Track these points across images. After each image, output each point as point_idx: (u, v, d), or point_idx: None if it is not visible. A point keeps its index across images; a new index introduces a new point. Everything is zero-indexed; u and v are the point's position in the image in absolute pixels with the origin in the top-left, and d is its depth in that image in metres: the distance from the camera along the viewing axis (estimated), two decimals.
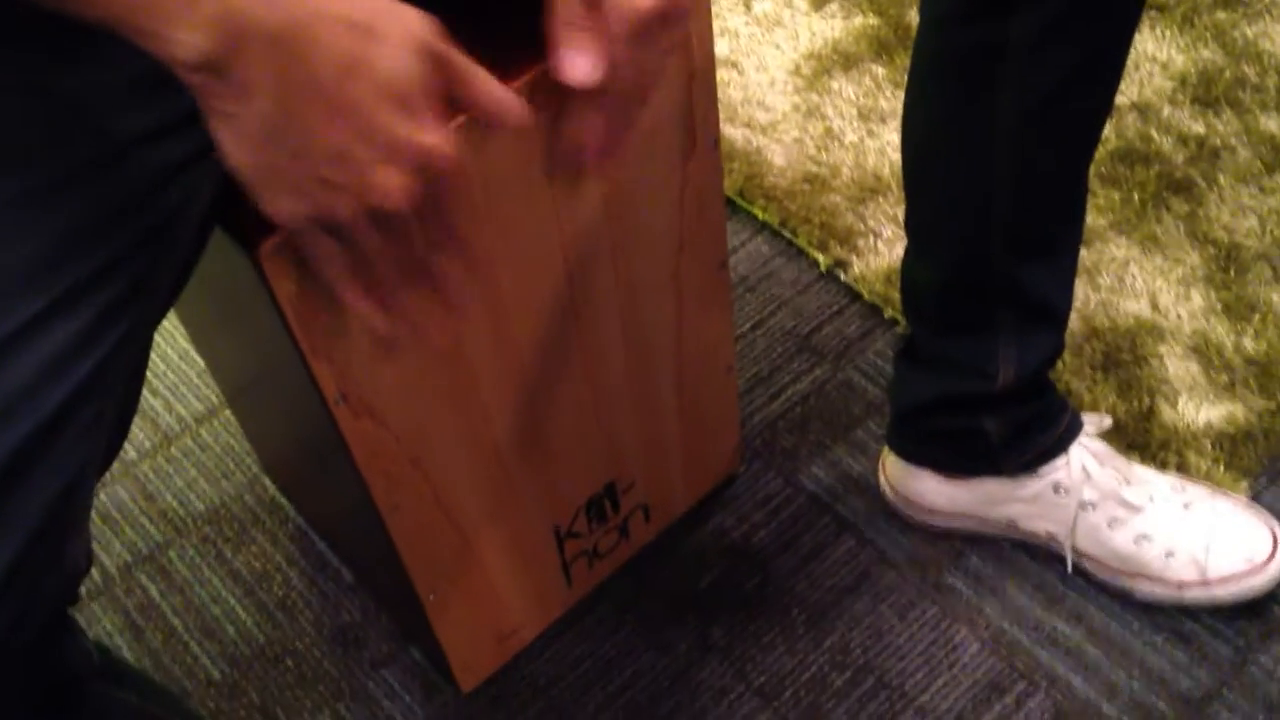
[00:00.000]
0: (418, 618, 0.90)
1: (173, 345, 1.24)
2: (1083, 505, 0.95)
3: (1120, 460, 0.98)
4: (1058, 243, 0.88)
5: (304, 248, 0.55)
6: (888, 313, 1.19)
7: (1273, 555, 0.94)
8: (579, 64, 0.56)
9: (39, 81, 0.50)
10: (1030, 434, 0.95)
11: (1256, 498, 1.03)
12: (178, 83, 0.50)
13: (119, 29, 0.46)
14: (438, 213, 0.54)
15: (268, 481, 1.12)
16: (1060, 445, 0.95)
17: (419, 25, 0.50)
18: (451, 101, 0.52)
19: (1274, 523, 0.96)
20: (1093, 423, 0.98)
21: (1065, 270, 0.89)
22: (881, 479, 1.06)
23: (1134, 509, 0.95)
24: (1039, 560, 1.02)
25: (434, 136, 0.50)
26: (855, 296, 1.22)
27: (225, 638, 1.03)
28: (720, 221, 0.86)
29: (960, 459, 0.98)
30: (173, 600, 1.06)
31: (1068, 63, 0.76)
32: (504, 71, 0.59)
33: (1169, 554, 0.95)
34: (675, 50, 0.68)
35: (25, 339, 0.49)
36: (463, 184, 0.59)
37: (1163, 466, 1.05)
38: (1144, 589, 0.97)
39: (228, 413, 1.17)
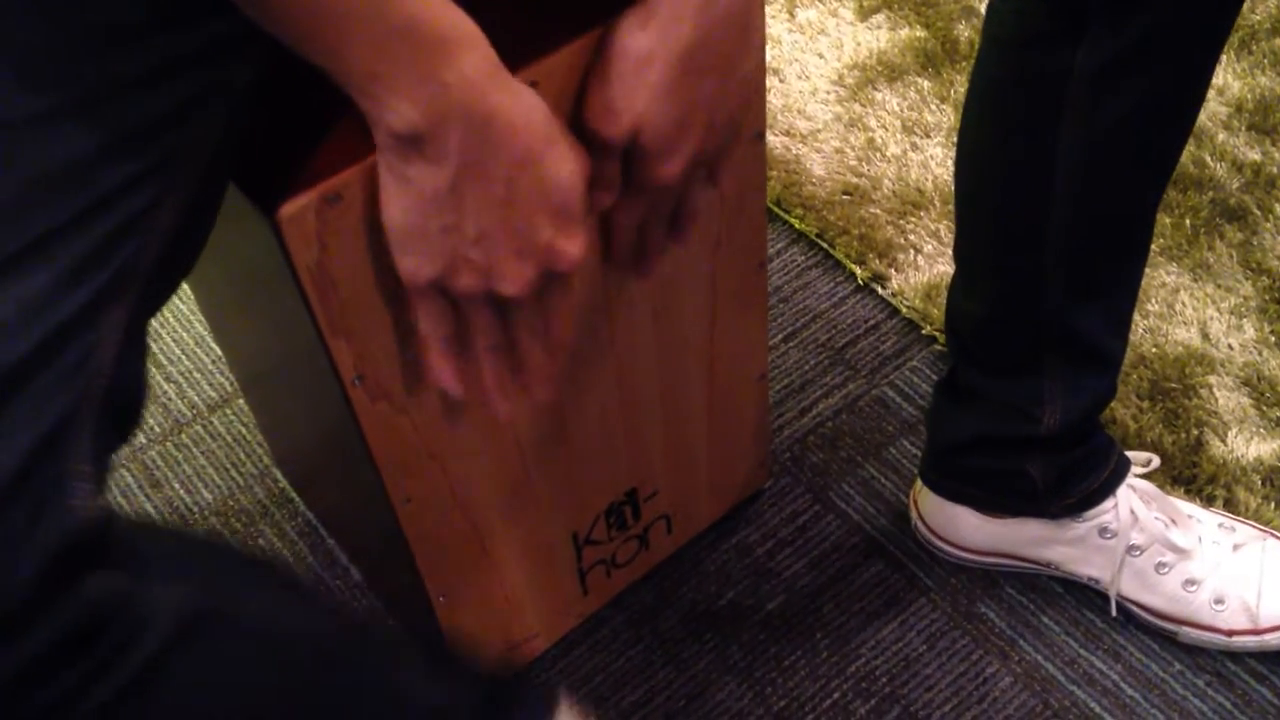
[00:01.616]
0: (426, 620, 0.86)
1: (189, 330, 1.21)
2: (1130, 549, 0.91)
3: (1167, 500, 0.93)
4: (1115, 284, 0.83)
5: (417, 303, 0.59)
6: (925, 329, 1.15)
7: None
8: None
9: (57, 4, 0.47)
10: (1076, 478, 0.90)
11: None
12: (187, 17, 0.48)
13: (343, 81, 0.50)
14: (542, 303, 0.60)
15: (278, 474, 1.09)
16: (1107, 488, 0.90)
17: (581, 149, 0.57)
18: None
19: None
20: (1139, 462, 0.93)
21: (1122, 314, 0.84)
22: (913, 513, 1.01)
23: (1182, 553, 0.90)
24: (1076, 592, 0.98)
25: (570, 244, 0.57)
26: (893, 311, 1.18)
27: None
28: (761, 219, 0.82)
29: (1000, 499, 0.94)
30: None
31: (1139, 95, 0.71)
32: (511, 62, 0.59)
33: (1218, 601, 0.90)
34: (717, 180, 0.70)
35: (7, 276, 0.45)
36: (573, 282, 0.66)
37: (1209, 501, 1.01)
38: (1191, 635, 0.92)
39: (241, 402, 1.14)
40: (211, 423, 1.13)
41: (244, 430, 1.12)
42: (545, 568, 0.89)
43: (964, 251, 0.86)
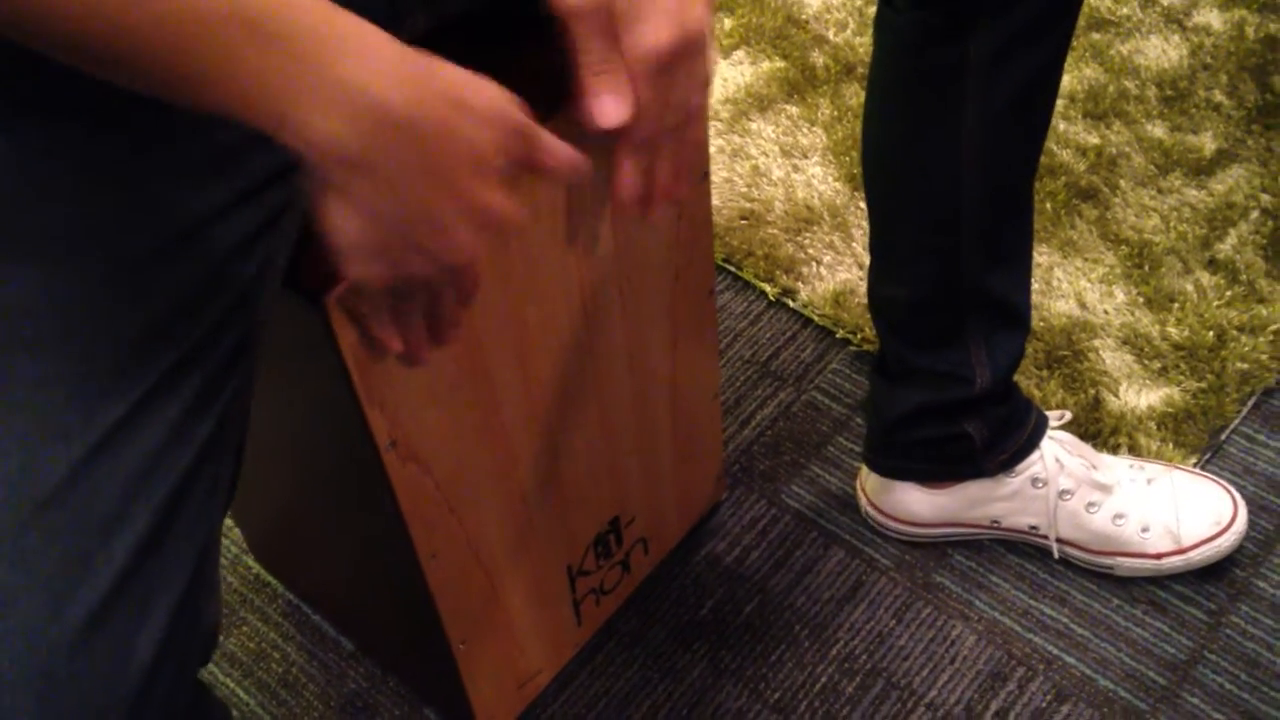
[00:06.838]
0: (437, 673, 0.90)
1: None
2: (1061, 494, 1.01)
3: (1086, 447, 1.04)
4: (1017, 247, 0.94)
5: (367, 296, 0.57)
6: (839, 333, 1.24)
7: (1235, 515, 1.01)
8: (606, 106, 0.58)
9: (112, 164, 0.51)
10: (1007, 433, 1.00)
11: (1203, 469, 1.10)
12: (241, 156, 0.52)
13: (245, 115, 0.46)
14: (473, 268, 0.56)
15: (251, 561, 1.10)
16: (1033, 441, 1.01)
17: (499, 96, 0.52)
18: (523, 163, 0.54)
19: (1228, 485, 1.04)
20: (1055, 418, 1.04)
21: (1026, 271, 0.95)
22: (862, 500, 1.10)
23: (1107, 490, 1.01)
24: (1017, 551, 1.07)
25: (509, 201, 0.53)
26: (806, 321, 1.26)
27: None
28: (709, 249, 0.89)
29: (944, 465, 1.03)
30: None
31: (1022, 72, 0.82)
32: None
33: (1144, 529, 1.01)
34: (705, 85, 0.70)
35: (148, 407, 0.49)
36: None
37: (1115, 450, 1.12)
38: (1125, 565, 1.03)
39: None
40: None
41: None
42: (545, 604, 0.94)
43: (883, 243, 0.96)
